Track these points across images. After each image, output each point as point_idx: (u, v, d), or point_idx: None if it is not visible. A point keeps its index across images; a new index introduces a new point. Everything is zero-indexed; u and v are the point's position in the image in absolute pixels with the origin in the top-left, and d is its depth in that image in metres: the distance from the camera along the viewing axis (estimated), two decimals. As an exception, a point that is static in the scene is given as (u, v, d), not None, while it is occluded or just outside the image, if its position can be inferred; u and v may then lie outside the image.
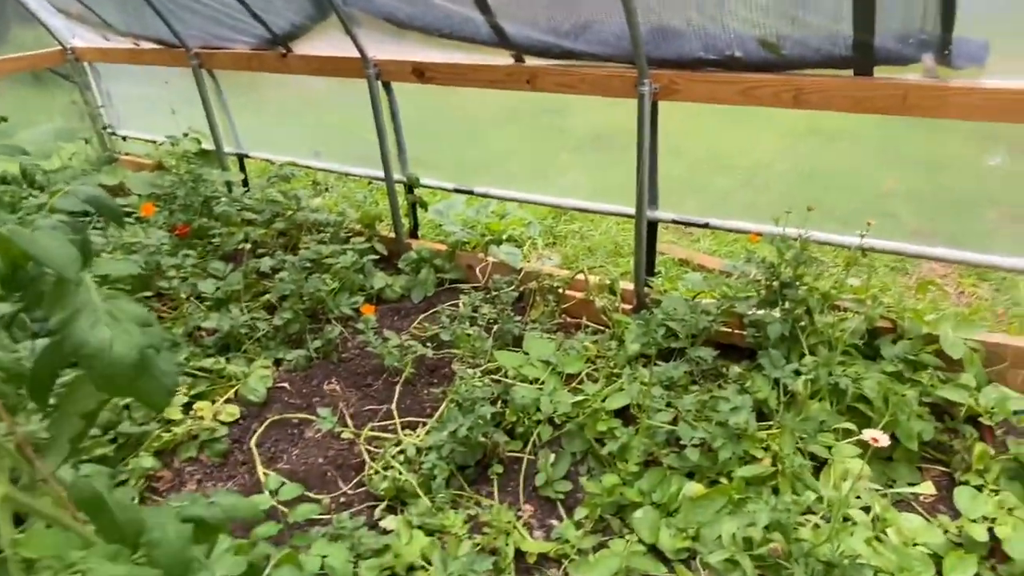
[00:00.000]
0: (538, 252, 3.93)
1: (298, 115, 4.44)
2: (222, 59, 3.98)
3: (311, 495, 2.32)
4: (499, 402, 2.49)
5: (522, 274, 3.23)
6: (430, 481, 2.25)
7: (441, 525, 2.11)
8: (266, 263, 3.45)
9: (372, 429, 2.58)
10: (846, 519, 1.97)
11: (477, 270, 3.42)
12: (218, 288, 3.31)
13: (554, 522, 2.17)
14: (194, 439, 2.57)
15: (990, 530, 1.89)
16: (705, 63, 2.46)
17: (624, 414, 2.40)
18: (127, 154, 5.14)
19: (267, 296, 3.33)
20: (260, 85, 4.29)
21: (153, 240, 3.33)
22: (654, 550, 2.00)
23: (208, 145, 4.31)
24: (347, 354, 3.06)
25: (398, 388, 2.77)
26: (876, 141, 2.94)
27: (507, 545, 2.04)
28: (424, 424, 2.57)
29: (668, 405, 2.36)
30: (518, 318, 2.96)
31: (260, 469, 2.45)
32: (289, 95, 4.35)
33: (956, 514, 2.01)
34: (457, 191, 3.56)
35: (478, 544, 2.06)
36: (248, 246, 3.61)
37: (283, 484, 2.31)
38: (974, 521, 1.93)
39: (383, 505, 2.26)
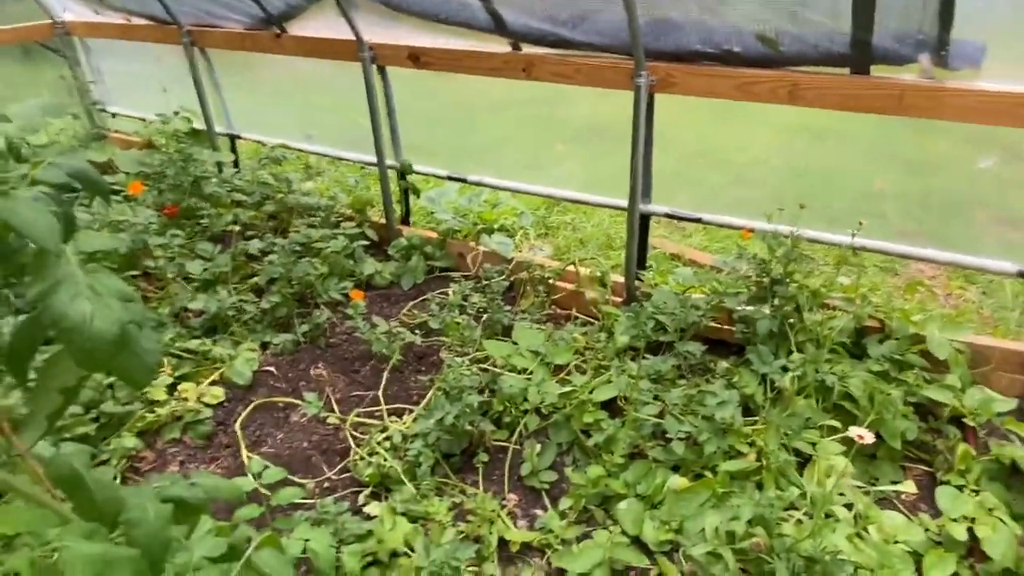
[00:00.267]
0: (530, 242, 3.92)
1: (291, 97, 4.40)
2: (215, 37, 3.93)
3: (295, 479, 2.30)
4: (486, 391, 2.48)
5: (513, 264, 3.22)
6: (415, 468, 2.24)
7: (425, 512, 2.10)
8: (255, 245, 3.42)
9: (358, 415, 2.57)
10: (829, 515, 1.99)
11: (468, 259, 3.40)
12: (206, 269, 3.27)
13: (538, 512, 2.17)
14: (178, 420, 2.55)
15: (970, 529, 1.91)
16: (702, 56, 2.45)
17: (611, 406, 2.40)
18: (116, 131, 5.07)
19: (255, 279, 3.30)
20: (253, 65, 4.24)
21: (141, 219, 3.29)
22: (637, 542, 2.01)
23: (199, 125, 4.26)
24: (335, 339, 3.04)
25: (385, 375, 2.75)
26: (869, 140, 2.95)
27: (491, 534, 2.04)
28: (411, 411, 2.56)
29: (655, 398, 2.36)
30: (508, 308, 2.95)
31: (244, 452, 2.44)
32: (282, 76, 4.30)
33: (937, 513, 2.02)
34: (450, 179, 3.54)
35: (462, 532, 2.06)
36: (237, 228, 3.57)
37: (267, 467, 2.29)
38: (955, 520, 1.94)
39: (367, 491, 2.25)
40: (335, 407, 2.62)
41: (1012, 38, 2.09)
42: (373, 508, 2.16)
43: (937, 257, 2.45)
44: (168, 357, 2.78)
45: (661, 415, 2.30)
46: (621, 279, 2.99)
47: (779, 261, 2.49)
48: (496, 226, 3.83)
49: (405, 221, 3.77)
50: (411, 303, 3.23)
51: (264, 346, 2.97)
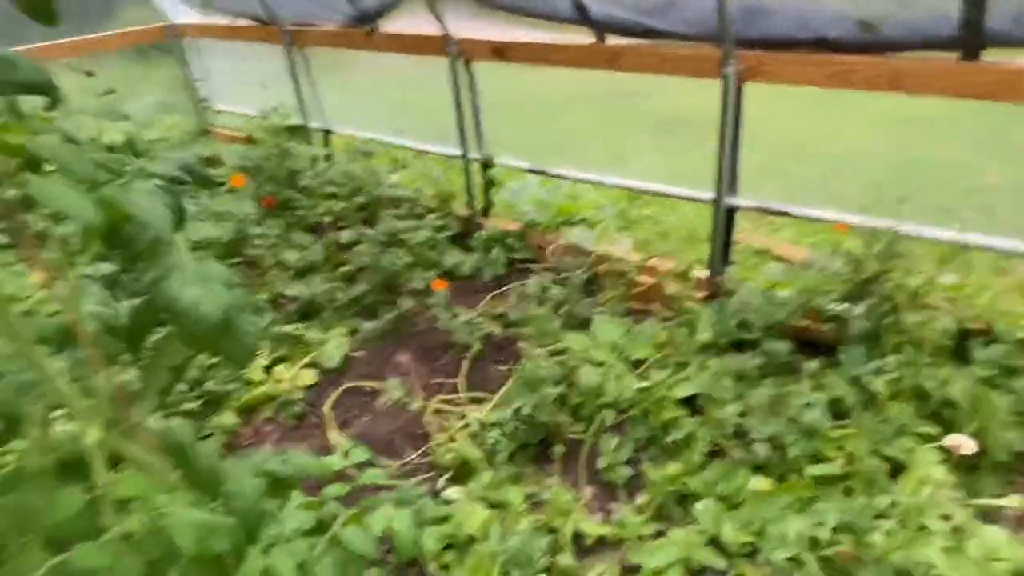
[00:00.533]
0: (611, 235, 3.89)
1: (381, 92, 4.54)
2: (312, 36, 4.10)
3: (379, 461, 2.40)
4: (564, 383, 2.50)
5: (593, 257, 3.20)
6: (493, 456, 2.28)
7: (501, 500, 2.14)
8: (346, 236, 3.56)
9: (439, 402, 2.64)
10: (922, 527, 1.88)
11: (548, 251, 3.41)
12: (300, 258, 3.45)
13: (614, 506, 2.17)
14: (273, 400, 2.71)
15: (1084, 551, 1.76)
16: (795, 43, 2.35)
17: (691, 403, 2.36)
18: (221, 127, 5.39)
19: (346, 267, 3.44)
20: (346, 64, 4.40)
21: (242, 209, 3.50)
22: (715, 542, 1.97)
23: (296, 120, 4.46)
24: (418, 327, 3.13)
25: (465, 363, 2.81)
26: (978, 131, 2.74)
27: (565, 525, 2.06)
28: (489, 400, 2.61)
29: (738, 397, 2.30)
30: (587, 301, 2.94)
31: (332, 432, 2.56)
32: (373, 73, 4.44)
33: (1047, 531, 1.88)
34: (531, 171, 3.55)
35: (537, 522, 2.08)
36: (330, 219, 3.74)
37: (353, 448, 2.40)
38: (1066, 540, 1.80)
39: (447, 476, 2.31)
40: (417, 393, 2.70)
41: None
42: (451, 493, 2.22)
43: (1056, 256, 2.26)
44: (265, 340, 2.95)
45: (743, 415, 2.24)
46: (704, 274, 2.92)
47: (875, 258, 2.36)
48: (577, 219, 3.82)
49: (487, 213, 3.82)
50: (491, 294, 3.28)
51: (353, 332, 3.10)
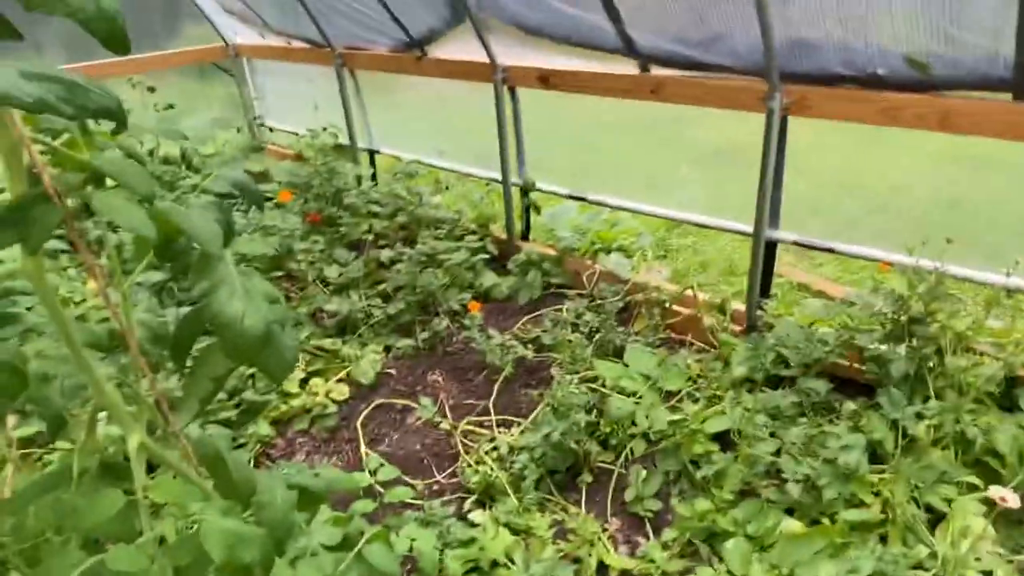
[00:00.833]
0: (648, 264, 3.87)
1: (426, 115, 4.63)
2: (363, 59, 4.23)
3: (407, 479, 2.41)
4: (594, 411, 2.48)
5: (629, 285, 3.20)
6: (520, 481, 2.28)
7: (527, 526, 2.13)
8: (386, 254, 3.62)
9: (469, 423, 2.65)
10: (962, 581, 1.81)
11: (584, 277, 3.42)
12: (341, 274, 3.52)
13: (640, 540, 2.14)
14: (307, 413, 2.75)
15: None
16: (842, 79, 2.34)
17: (723, 439, 2.32)
18: (273, 144, 5.56)
19: (384, 285, 3.50)
20: (394, 87, 4.51)
21: (288, 225, 3.60)
22: (743, 583, 1.93)
23: (343, 140, 4.59)
24: (452, 348, 3.15)
25: (497, 386, 2.82)
26: (1035, 171, 2.67)
27: (590, 556, 2.04)
28: (519, 424, 2.61)
29: (772, 435, 2.26)
30: (621, 329, 2.93)
31: (363, 448, 2.58)
32: (419, 96, 4.54)
33: (1097, 594, 1.79)
34: (571, 197, 3.58)
35: (561, 550, 2.07)
36: (371, 237, 3.81)
37: (382, 465, 2.42)
38: (1119, 605, 1.71)
39: (473, 498, 2.31)
40: (448, 413, 2.72)
41: None
42: (477, 516, 2.21)
43: (1113, 305, 2.17)
44: (302, 353, 3.01)
45: (777, 453, 2.20)
46: (742, 307, 2.88)
47: (920, 298, 2.30)
48: (614, 246, 3.82)
49: (525, 237, 3.85)
50: (526, 317, 3.29)
51: (387, 349, 3.14)
